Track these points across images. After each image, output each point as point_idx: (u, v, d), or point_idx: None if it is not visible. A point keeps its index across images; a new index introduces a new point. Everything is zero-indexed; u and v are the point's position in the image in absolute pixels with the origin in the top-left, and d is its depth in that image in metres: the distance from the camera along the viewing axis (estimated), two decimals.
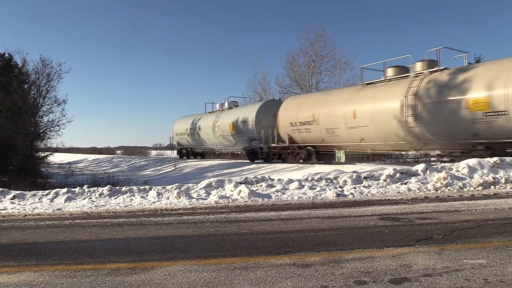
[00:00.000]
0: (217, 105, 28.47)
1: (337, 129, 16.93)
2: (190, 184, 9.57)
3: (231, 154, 30.78)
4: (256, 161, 22.28)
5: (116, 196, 8.98)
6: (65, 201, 8.73)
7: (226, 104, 27.34)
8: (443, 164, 10.58)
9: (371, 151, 17.12)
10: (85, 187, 9.73)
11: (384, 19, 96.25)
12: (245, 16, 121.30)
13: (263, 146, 21.36)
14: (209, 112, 29.35)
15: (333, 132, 17.22)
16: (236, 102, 27.81)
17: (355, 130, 16.08)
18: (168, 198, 8.59)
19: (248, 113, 22.99)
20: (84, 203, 8.45)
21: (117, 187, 9.69)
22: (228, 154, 31.02)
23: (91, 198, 8.90)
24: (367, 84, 16.83)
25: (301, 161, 18.89)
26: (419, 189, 8.77)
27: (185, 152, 32.13)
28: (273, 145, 20.87)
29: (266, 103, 23.27)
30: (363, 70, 17.77)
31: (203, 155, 32.21)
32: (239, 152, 25.45)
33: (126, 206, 8.02)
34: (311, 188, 9.08)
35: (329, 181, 9.66)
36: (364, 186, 9.09)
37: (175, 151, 36.52)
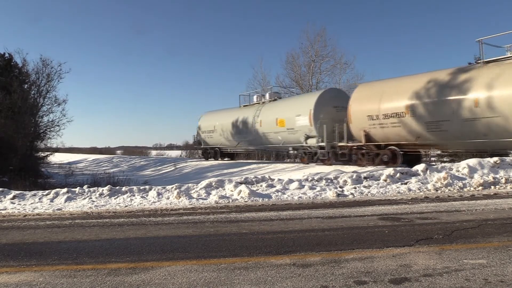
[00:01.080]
0: (254, 97, 24.56)
1: (446, 123, 12.95)
2: (190, 184, 9.57)
3: (273, 155, 27.38)
4: (312, 163, 18.42)
5: (116, 196, 8.98)
6: (65, 201, 8.73)
7: (267, 95, 23.20)
8: (443, 164, 10.58)
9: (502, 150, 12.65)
10: (85, 187, 9.73)
11: (384, 19, 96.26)
12: (245, 16, 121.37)
13: (325, 145, 17.41)
14: (244, 106, 25.30)
15: (438, 126, 13.19)
16: (279, 93, 24.18)
17: (475, 124, 12.12)
18: (168, 198, 8.59)
19: (302, 105, 19.07)
20: (84, 203, 8.45)
21: (117, 187, 9.69)
22: (270, 154, 27.80)
23: (91, 198, 8.90)
24: (489, 62, 12.84)
25: (379, 164, 14.77)
26: (419, 189, 8.77)
27: (213, 153, 27.68)
28: (340, 144, 16.93)
29: (326, 92, 19.03)
30: (482, 45, 13.27)
31: (232, 156, 28.40)
32: (290, 152, 20.97)
33: (126, 206, 8.02)
34: (311, 188, 9.08)
35: (329, 181, 9.66)
36: (364, 186, 9.09)
37: (193, 151, 33.41)
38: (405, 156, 14.62)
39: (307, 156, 18.95)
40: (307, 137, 18.58)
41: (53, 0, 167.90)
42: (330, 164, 16.72)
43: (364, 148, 15.97)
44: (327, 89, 20.04)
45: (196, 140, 30.23)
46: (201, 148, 29.58)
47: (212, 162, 26.99)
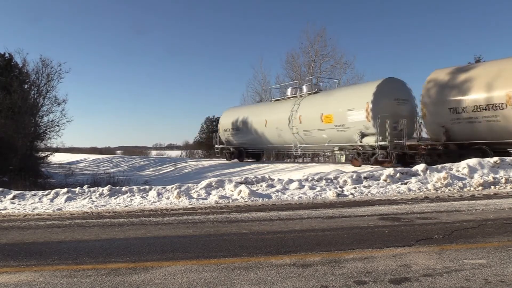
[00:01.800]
0: (288, 91, 21.77)
1: None
2: (190, 184, 9.57)
3: (312, 155, 23.95)
4: (366, 165, 15.72)
5: (116, 196, 8.98)
6: (65, 201, 8.73)
7: (305, 88, 20.46)
8: (443, 164, 10.57)
9: None
10: (85, 187, 9.73)
11: (384, 19, 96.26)
12: (245, 16, 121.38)
13: (388, 144, 14.73)
14: (277, 100, 22.63)
15: None
16: (319, 85, 21.18)
17: None
18: (168, 198, 8.59)
19: (356, 97, 16.46)
20: (84, 203, 8.45)
21: (117, 187, 9.70)
22: (305, 154, 23.90)
23: (91, 198, 8.90)
24: None
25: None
26: (419, 189, 8.77)
27: (237, 153, 24.64)
28: (410, 143, 14.66)
29: (385, 83, 16.11)
30: None
31: (258, 156, 25.30)
32: (336, 153, 18.76)
33: (126, 206, 8.02)
34: (311, 188, 9.08)
35: (329, 181, 9.66)
36: (364, 186, 9.09)
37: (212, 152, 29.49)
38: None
39: (361, 157, 16.02)
40: (362, 135, 15.89)
41: (53, 0, 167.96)
42: (393, 167, 12.31)
43: (440, 148, 13.43)
44: (386, 78, 16.51)
45: (217, 139, 27.07)
46: (223, 148, 26.31)
47: (212, 162, 26.87)
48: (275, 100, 22.77)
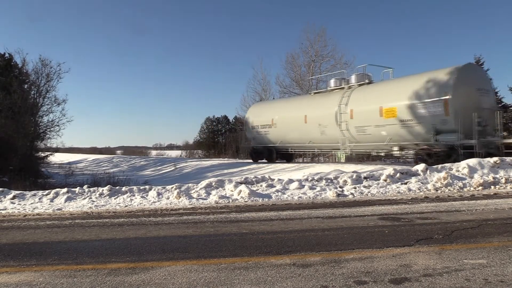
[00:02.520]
0: (331, 82, 19.13)
1: None
2: (190, 184, 9.57)
3: (362, 157, 20.73)
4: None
5: (116, 196, 8.98)
6: (65, 201, 8.73)
7: (354, 78, 17.87)
8: (443, 164, 10.57)
9: None
10: (85, 187, 9.73)
11: (384, 19, 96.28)
12: (245, 16, 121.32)
13: (474, 143, 12.45)
14: (317, 93, 20.00)
15: None
16: (369, 75, 17.84)
17: None
18: (168, 198, 8.59)
19: (429, 86, 13.75)
20: (84, 203, 8.45)
21: (117, 187, 9.69)
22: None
23: (91, 198, 8.90)
24: None
25: None
26: (419, 189, 8.77)
27: (267, 153, 21.81)
28: (507, 141, 12.92)
29: (465, 69, 13.62)
30: None
31: (290, 157, 22.40)
32: (395, 154, 16.00)
33: (126, 206, 8.02)
34: (311, 188, 9.08)
35: (329, 181, 9.66)
36: (364, 186, 9.09)
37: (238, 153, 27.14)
38: None
39: (433, 158, 13.36)
40: (437, 132, 13.39)
41: (53, 1, 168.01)
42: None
43: None
44: (467, 64, 14.11)
45: (242, 138, 24.54)
46: (249, 148, 23.59)
47: (212, 162, 26.72)
48: (315, 93, 20.05)
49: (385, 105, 15.09)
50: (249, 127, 23.22)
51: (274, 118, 21.04)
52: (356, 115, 16.29)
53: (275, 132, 20.97)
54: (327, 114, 17.67)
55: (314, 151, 20.92)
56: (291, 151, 21.38)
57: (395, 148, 15.34)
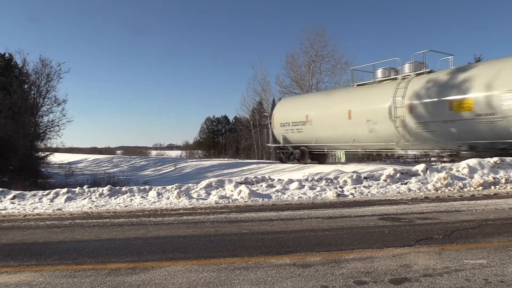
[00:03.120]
0: (378, 72, 16.82)
1: None
2: (190, 184, 9.57)
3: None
4: None
5: (116, 196, 8.98)
6: (65, 201, 8.73)
7: (407, 67, 15.66)
8: (443, 164, 10.56)
9: None
10: (85, 187, 9.73)
11: (384, 19, 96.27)
12: (245, 16, 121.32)
13: None
14: (360, 85, 17.48)
15: None
16: (422, 63, 15.52)
17: None
18: (168, 198, 8.59)
19: None
20: (84, 203, 8.45)
21: (117, 187, 9.69)
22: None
23: (91, 198, 8.90)
24: None
25: None
26: (419, 189, 8.77)
27: (298, 153, 19.38)
28: None
29: None
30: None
31: (323, 158, 20.07)
32: (463, 153, 13.31)
33: (126, 206, 8.02)
34: (311, 188, 9.08)
35: (329, 181, 9.66)
36: (364, 186, 9.09)
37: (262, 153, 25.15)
38: None
39: None
40: None
41: (53, 1, 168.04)
42: None
43: None
44: None
45: (269, 136, 22.10)
46: (278, 148, 21.16)
47: (212, 162, 26.65)
48: (359, 85, 17.57)
49: (456, 97, 12.87)
50: (276, 125, 20.58)
51: (309, 115, 18.52)
52: (416, 109, 14.05)
53: (310, 130, 18.58)
54: (378, 108, 15.37)
55: (357, 151, 18.48)
56: (327, 152, 19.32)
57: (464, 147, 13.11)
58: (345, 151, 18.36)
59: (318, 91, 21.53)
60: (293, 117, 19.61)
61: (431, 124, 13.71)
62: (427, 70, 15.06)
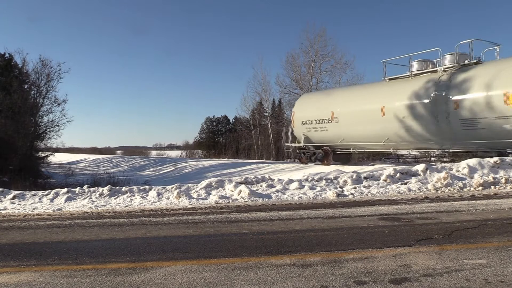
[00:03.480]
0: (414, 64, 15.39)
1: None
2: (190, 184, 9.57)
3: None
4: None
5: (116, 196, 8.98)
6: (65, 201, 8.73)
7: (449, 59, 14.19)
8: (443, 164, 10.57)
9: None
10: (85, 187, 9.73)
11: (384, 20, 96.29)
12: (245, 16, 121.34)
13: None
14: (393, 79, 16.09)
15: None
16: (467, 54, 14.05)
17: None
18: (168, 198, 8.59)
19: None
20: (84, 203, 8.45)
21: (117, 187, 9.69)
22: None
23: (91, 198, 8.90)
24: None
25: None
26: (419, 189, 8.77)
27: (321, 154, 17.84)
28: None
29: None
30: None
31: (347, 159, 18.37)
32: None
33: (126, 206, 8.02)
34: (311, 188, 9.08)
35: (329, 181, 9.66)
36: (364, 186, 9.09)
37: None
38: None
39: None
40: None
41: (53, 2, 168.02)
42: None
43: None
44: None
45: (288, 136, 20.38)
46: (298, 147, 19.64)
47: (212, 162, 26.60)
48: (390, 79, 16.15)
49: None
50: (297, 123, 18.96)
51: (335, 111, 16.96)
52: (463, 104, 12.60)
53: (336, 128, 17.03)
54: (416, 104, 13.95)
55: (389, 151, 17.05)
56: (354, 151, 17.58)
57: None
58: (372, 151, 16.62)
59: (344, 86, 19.65)
60: (316, 114, 18.04)
61: (481, 121, 12.21)
62: (474, 61, 13.52)
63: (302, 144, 18.93)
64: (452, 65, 13.89)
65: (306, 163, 18.43)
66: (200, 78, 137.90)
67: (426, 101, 13.72)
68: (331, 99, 18.23)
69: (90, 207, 7.94)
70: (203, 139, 68.96)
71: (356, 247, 4.20)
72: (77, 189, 9.42)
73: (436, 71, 14.40)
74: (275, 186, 9.44)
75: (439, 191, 8.59)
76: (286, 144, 20.41)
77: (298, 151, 19.65)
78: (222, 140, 65.82)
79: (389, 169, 9.98)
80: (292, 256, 3.95)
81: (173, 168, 27.55)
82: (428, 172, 9.76)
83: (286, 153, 21.76)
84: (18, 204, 8.60)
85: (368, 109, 15.77)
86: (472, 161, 10.09)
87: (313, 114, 18.25)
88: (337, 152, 17.68)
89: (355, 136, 16.45)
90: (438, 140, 13.77)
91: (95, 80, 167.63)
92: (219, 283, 3.22)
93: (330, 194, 8.46)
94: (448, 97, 13.06)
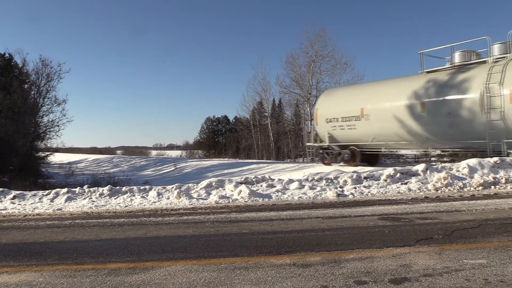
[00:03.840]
0: (456, 55, 14.22)
1: None
2: (190, 184, 9.57)
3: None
4: None
5: (116, 196, 8.98)
6: (66, 201, 8.73)
7: (498, 48, 13.21)
8: (443, 164, 10.56)
9: None
10: (85, 187, 9.73)
11: (384, 20, 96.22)
12: (245, 16, 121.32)
13: None
14: (431, 72, 14.85)
15: None
16: None
17: None
18: (168, 198, 8.59)
19: None
20: (85, 203, 8.45)
21: (117, 187, 9.69)
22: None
23: (91, 198, 8.90)
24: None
25: None
26: (419, 189, 8.77)
27: (348, 154, 16.46)
28: None
29: None
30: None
31: (374, 159, 17.05)
32: None
33: (126, 206, 8.02)
34: (311, 188, 9.08)
35: (329, 181, 9.66)
36: (365, 186, 9.09)
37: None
38: None
39: None
40: None
41: (53, 2, 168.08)
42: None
43: None
44: None
45: (310, 134, 19.16)
46: (321, 147, 18.30)
47: (212, 162, 26.60)
48: (429, 72, 14.86)
49: None
50: (321, 121, 17.66)
51: (366, 108, 15.62)
52: None
53: (365, 126, 15.68)
54: (462, 99, 12.78)
55: (427, 151, 15.73)
56: (384, 151, 16.27)
57: None
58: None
59: (374, 81, 17.96)
60: (342, 111, 16.69)
61: None
62: None
63: (326, 143, 17.58)
64: (503, 55, 12.82)
65: (329, 164, 17.20)
66: (200, 78, 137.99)
67: (474, 95, 12.49)
68: (360, 94, 16.72)
69: (90, 207, 7.94)
70: (203, 139, 68.98)
71: (356, 247, 4.19)
72: (77, 189, 9.42)
73: (484, 62, 13.23)
74: (275, 186, 9.44)
75: (439, 191, 8.59)
76: (308, 144, 18.97)
77: (321, 151, 18.33)
78: (222, 140, 65.84)
79: (389, 169, 9.98)
80: (292, 256, 3.95)
81: (173, 168, 27.57)
82: (428, 172, 9.76)
83: (307, 153, 20.10)
84: (18, 204, 8.60)
85: (404, 105, 14.39)
86: (472, 161, 10.09)
87: (339, 111, 16.87)
88: (366, 153, 16.47)
89: (389, 135, 14.98)
90: (494, 138, 12.16)
91: (95, 80, 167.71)
92: (219, 283, 3.22)
93: (330, 194, 8.46)
94: (502, 90, 11.85)
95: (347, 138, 16.72)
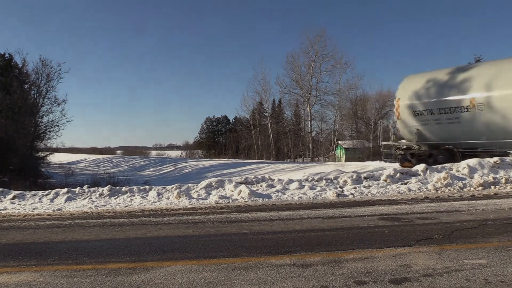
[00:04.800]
0: None
1: None
2: (190, 184, 9.57)
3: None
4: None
5: (116, 196, 8.98)
6: (65, 201, 8.73)
7: None
8: (443, 164, 10.56)
9: None
10: (85, 187, 9.73)
11: (384, 20, 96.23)
12: (245, 16, 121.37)
13: None
14: None
15: None
16: None
17: None
18: (168, 198, 8.59)
19: None
20: (84, 203, 8.45)
21: (117, 187, 9.69)
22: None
23: (91, 198, 8.90)
24: None
25: None
26: (419, 189, 8.77)
27: (444, 156, 13.00)
28: None
29: None
30: None
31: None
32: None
33: (126, 206, 8.02)
34: (311, 188, 9.08)
35: (329, 181, 9.66)
36: (364, 186, 9.09)
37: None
38: None
39: None
40: None
41: (53, 1, 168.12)
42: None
43: None
44: None
45: (389, 131, 15.88)
46: (400, 147, 14.88)
47: (212, 162, 26.55)
48: None
49: None
50: (404, 113, 14.25)
51: (477, 97, 12.31)
52: None
53: (478, 119, 12.30)
54: None
55: None
56: (498, 152, 11.91)
57: None
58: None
59: (484, 62, 14.10)
60: (439, 102, 13.33)
61: None
62: None
63: (413, 142, 14.15)
64: None
65: (412, 167, 11.57)
66: (200, 78, 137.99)
67: None
68: (467, 79, 12.96)
69: (90, 207, 7.94)
70: (203, 139, 69.01)
71: (356, 247, 4.19)
72: (77, 189, 9.42)
73: None
74: (275, 186, 9.43)
75: (439, 191, 8.59)
76: (384, 143, 15.65)
77: (402, 152, 14.78)
78: (222, 140, 65.86)
79: (389, 169, 9.98)
80: (292, 256, 3.95)
81: (173, 168, 27.58)
82: (428, 172, 9.76)
83: (383, 154, 16.72)
84: (18, 204, 8.59)
85: None
86: (472, 161, 10.09)
87: (435, 101, 13.43)
88: (465, 153, 12.54)
89: (509, 131, 11.69)
90: None
91: (95, 80, 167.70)
92: (219, 283, 3.22)
93: (330, 194, 8.46)
94: None
95: (445, 135, 13.30)
